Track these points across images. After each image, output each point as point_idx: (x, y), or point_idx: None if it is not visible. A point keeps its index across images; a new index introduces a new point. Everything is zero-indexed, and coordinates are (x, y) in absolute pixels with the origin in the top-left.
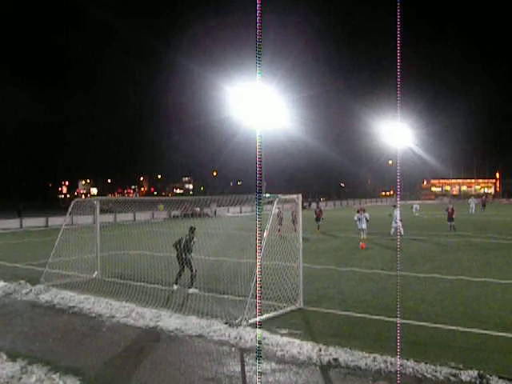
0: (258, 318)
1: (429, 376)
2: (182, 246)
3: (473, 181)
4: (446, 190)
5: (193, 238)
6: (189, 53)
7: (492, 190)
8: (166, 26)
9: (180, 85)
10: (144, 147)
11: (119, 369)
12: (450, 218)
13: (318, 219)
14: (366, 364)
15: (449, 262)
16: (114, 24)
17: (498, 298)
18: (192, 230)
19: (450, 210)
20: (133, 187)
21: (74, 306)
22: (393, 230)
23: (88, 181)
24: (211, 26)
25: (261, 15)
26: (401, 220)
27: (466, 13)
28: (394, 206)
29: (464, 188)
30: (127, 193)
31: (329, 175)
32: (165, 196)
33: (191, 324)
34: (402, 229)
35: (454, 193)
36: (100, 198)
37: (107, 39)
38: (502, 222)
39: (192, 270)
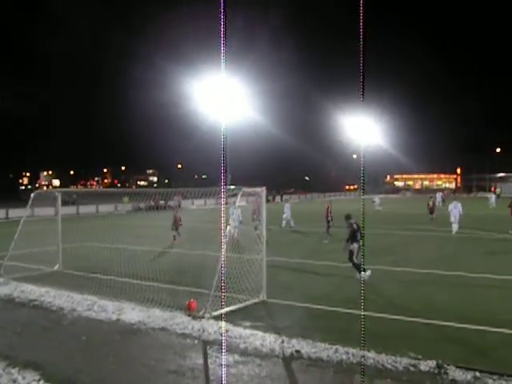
0: (221, 311)
1: (389, 367)
2: None
3: (435, 176)
4: (409, 185)
5: None
6: (153, 44)
7: (453, 185)
8: (130, 17)
9: (144, 77)
10: (108, 139)
11: (80, 363)
12: (431, 211)
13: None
14: (327, 355)
15: (409, 255)
16: (79, 15)
17: (458, 290)
18: None
19: (431, 204)
20: (96, 179)
21: (34, 300)
22: (284, 222)
23: (50, 172)
24: (175, 17)
25: (225, 8)
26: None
27: (429, 7)
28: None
29: (426, 183)
30: (90, 185)
31: (294, 168)
32: (129, 188)
33: (154, 317)
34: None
35: (417, 187)
36: (62, 189)
37: (71, 32)
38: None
39: None
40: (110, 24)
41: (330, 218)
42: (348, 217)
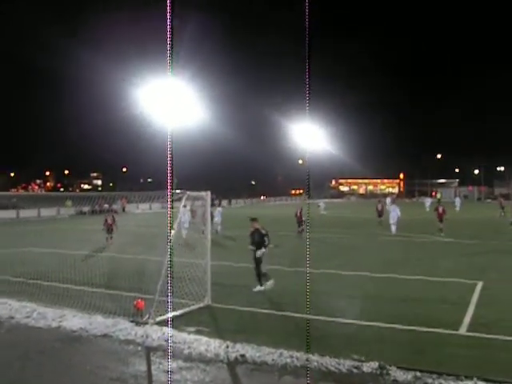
0: (165, 316)
1: (333, 369)
2: None
3: (379, 181)
4: (354, 190)
5: None
6: (98, 46)
7: (396, 190)
8: (73, 18)
9: (89, 79)
10: (50, 141)
11: (17, 373)
12: (380, 215)
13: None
14: (272, 359)
15: (353, 259)
16: (19, 15)
17: (400, 292)
18: None
19: (380, 208)
20: (38, 182)
21: None
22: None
23: None
24: (121, 19)
25: (171, 11)
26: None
27: (372, 12)
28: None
29: (370, 187)
30: (32, 188)
31: (240, 173)
32: (72, 192)
33: (96, 323)
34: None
35: (361, 192)
36: (1, 193)
37: (10, 31)
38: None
39: None
40: (52, 24)
41: (301, 222)
42: (253, 220)
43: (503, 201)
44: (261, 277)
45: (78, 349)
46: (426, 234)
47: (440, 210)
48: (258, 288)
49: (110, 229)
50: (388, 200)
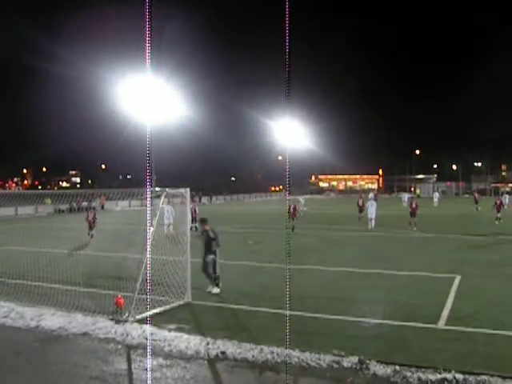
0: (145, 314)
1: (313, 364)
2: None
3: (358, 177)
4: (333, 186)
5: None
6: (74, 43)
7: (375, 186)
8: (49, 13)
9: (67, 76)
10: (27, 138)
11: None
12: (361, 210)
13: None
14: (253, 356)
15: (333, 255)
16: None
17: (378, 287)
18: None
19: (360, 203)
20: (15, 180)
21: None
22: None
23: None
24: (99, 15)
25: (150, 7)
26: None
27: (353, 11)
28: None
29: (350, 183)
30: (9, 186)
31: (220, 170)
32: (50, 189)
33: (76, 322)
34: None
35: (341, 188)
36: None
37: None
38: (385, 216)
39: None
40: (27, 19)
41: (295, 218)
42: (203, 221)
43: (478, 196)
44: (211, 277)
45: (57, 348)
46: (405, 230)
47: (413, 204)
48: (211, 288)
49: (90, 225)
50: (371, 195)
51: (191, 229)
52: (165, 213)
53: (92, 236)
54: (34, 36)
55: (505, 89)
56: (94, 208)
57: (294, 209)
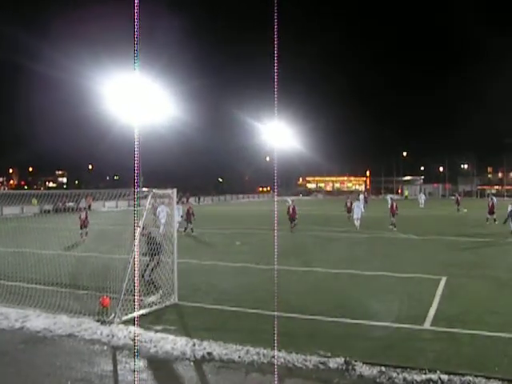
0: (131, 315)
1: (299, 365)
2: None
3: (345, 178)
4: (321, 187)
5: None
6: (61, 41)
7: (363, 187)
8: (35, 12)
9: (54, 76)
10: (12, 138)
11: None
12: (349, 211)
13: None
14: (239, 356)
15: (320, 256)
16: None
17: (365, 288)
18: None
19: (349, 205)
20: (1, 179)
21: None
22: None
23: None
24: (85, 14)
25: (138, 6)
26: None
27: (338, 9)
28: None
29: (337, 185)
30: None
31: (208, 170)
32: (36, 190)
33: (61, 323)
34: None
35: (328, 189)
36: None
37: None
38: (373, 217)
39: None
40: (13, 19)
41: (294, 218)
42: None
43: (459, 197)
44: (151, 284)
45: (42, 349)
46: (391, 231)
47: (394, 205)
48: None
49: (82, 225)
50: (361, 197)
51: (185, 230)
52: (160, 213)
53: (86, 234)
54: (19, 35)
55: (491, 91)
56: (84, 208)
57: (294, 209)
